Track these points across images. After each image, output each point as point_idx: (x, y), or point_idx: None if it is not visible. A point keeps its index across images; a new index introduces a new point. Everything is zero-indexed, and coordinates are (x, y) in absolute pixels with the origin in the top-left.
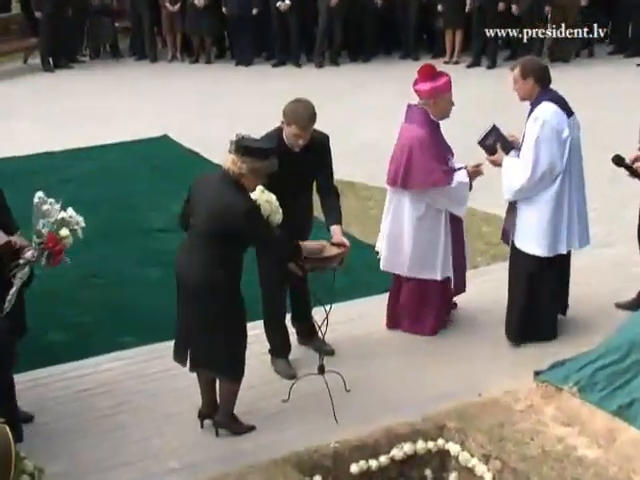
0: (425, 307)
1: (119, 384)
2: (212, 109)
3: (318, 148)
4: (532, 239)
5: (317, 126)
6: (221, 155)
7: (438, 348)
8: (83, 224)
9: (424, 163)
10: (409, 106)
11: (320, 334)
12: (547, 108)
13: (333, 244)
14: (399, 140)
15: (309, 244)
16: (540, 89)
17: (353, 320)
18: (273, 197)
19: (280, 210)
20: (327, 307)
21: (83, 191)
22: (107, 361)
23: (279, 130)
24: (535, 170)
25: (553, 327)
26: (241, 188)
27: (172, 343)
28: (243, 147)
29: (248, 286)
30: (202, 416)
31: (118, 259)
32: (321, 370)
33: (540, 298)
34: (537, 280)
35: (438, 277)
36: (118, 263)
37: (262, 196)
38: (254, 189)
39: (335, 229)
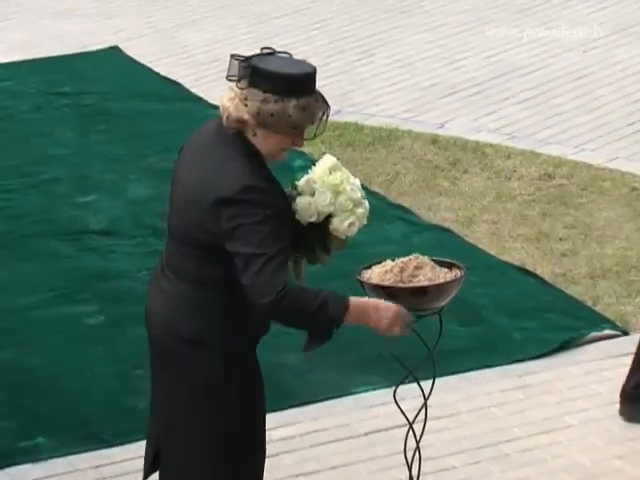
0: None
1: None
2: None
3: None
4: None
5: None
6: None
7: None
8: None
9: None
10: None
11: (414, 437)
12: None
13: (439, 262)
14: None
15: (389, 266)
16: None
17: (481, 413)
18: (356, 182)
19: (366, 203)
20: (425, 384)
21: None
22: None
23: None
24: None
25: None
26: (248, 151)
27: (124, 449)
28: (252, 69)
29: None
30: None
31: (19, 289)
32: None
33: None
34: None
35: None
36: (19, 296)
37: (329, 177)
38: (275, 154)
39: None
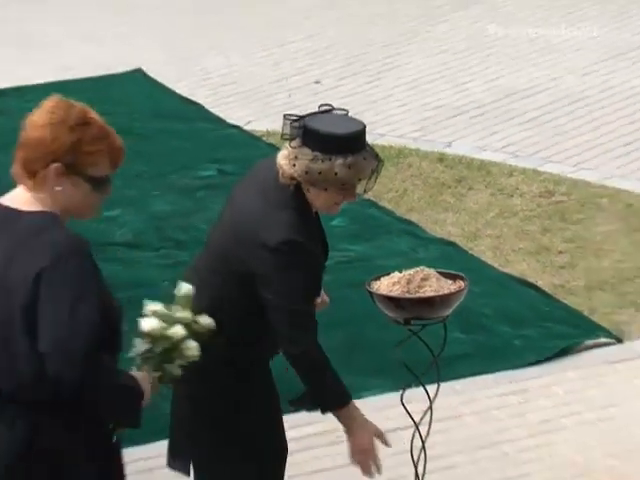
0: None
1: None
2: (231, 22)
3: None
4: None
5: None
6: (250, 109)
7: None
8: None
9: None
10: None
11: (420, 437)
12: None
13: (444, 274)
14: None
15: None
16: None
17: (483, 415)
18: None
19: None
20: (430, 388)
21: None
22: None
23: None
24: None
25: None
26: (300, 204)
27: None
28: (304, 129)
29: None
30: None
31: None
32: None
33: None
34: None
35: None
36: None
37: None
38: (329, 209)
39: None
